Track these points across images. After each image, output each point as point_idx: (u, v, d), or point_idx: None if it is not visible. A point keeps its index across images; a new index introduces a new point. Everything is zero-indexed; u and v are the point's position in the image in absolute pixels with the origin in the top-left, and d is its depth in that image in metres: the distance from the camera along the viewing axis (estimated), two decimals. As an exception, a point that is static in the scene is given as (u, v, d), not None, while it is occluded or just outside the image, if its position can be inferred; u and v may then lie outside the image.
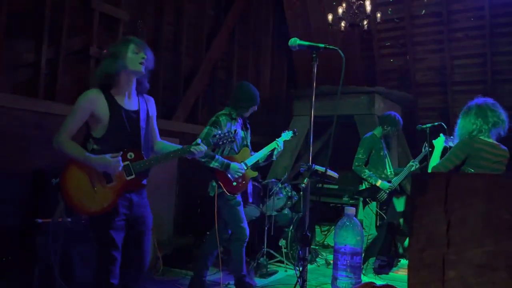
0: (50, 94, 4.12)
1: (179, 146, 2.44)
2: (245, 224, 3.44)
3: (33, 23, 4.01)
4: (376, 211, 4.34)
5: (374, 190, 4.34)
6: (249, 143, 3.68)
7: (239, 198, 3.47)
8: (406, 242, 5.26)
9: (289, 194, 4.78)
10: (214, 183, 3.38)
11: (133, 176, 2.26)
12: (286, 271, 4.38)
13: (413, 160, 4.48)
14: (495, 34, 6.36)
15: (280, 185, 4.66)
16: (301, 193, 5.12)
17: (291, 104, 7.01)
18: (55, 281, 3.21)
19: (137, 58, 2.27)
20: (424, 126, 4.40)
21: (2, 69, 3.77)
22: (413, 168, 4.41)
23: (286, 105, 7.39)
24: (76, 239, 3.44)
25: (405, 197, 5.61)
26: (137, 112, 2.34)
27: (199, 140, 2.39)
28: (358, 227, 1.53)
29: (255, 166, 3.65)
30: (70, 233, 3.45)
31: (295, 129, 3.94)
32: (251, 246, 4.74)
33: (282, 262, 4.52)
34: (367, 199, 4.38)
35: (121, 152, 2.23)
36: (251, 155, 3.61)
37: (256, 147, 3.77)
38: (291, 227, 4.66)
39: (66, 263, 3.30)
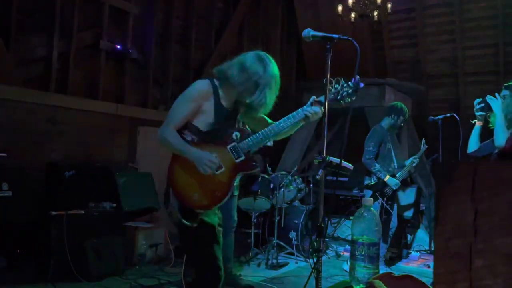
0: (62, 87, 4.14)
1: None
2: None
3: (44, 17, 4.02)
4: (382, 204, 4.30)
5: (381, 185, 4.31)
6: None
7: None
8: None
9: (299, 186, 4.77)
10: None
11: (242, 158, 1.99)
12: (296, 263, 4.38)
13: (414, 156, 4.41)
14: (508, 24, 6.26)
15: (290, 178, 4.66)
16: (311, 185, 5.12)
17: (300, 96, 6.97)
18: (69, 272, 3.25)
19: (262, 98, 2.11)
20: (436, 117, 4.34)
21: (15, 64, 3.80)
22: (414, 164, 4.37)
23: (295, 97, 7.35)
24: (91, 232, 3.49)
25: (416, 189, 5.57)
26: (235, 111, 2.17)
27: (311, 98, 2.08)
28: (376, 217, 1.53)
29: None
30: (85, 225, 3.49)
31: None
32: (261, 238, 4.77)
33: (292, 254, 4.53)
34: (376, 194, 4.34)
35: (220, 164, 1.96)
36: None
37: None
38: (301, 219, 4.66)
39: (81, 255, 3.34)
